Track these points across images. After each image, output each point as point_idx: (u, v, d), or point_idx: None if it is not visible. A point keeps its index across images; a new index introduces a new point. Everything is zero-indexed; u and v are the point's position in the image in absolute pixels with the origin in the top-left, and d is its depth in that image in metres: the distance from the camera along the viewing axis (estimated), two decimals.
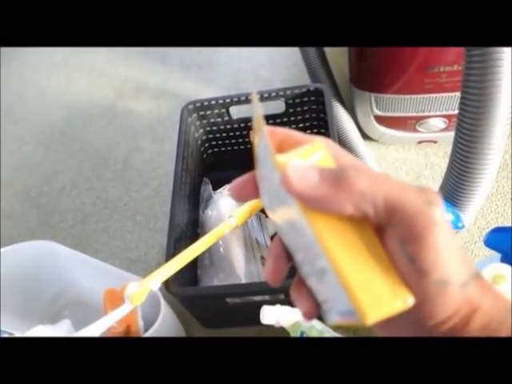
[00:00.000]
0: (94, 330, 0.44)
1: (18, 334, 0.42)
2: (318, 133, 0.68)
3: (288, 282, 0.57)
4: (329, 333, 0.34)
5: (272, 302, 0.41)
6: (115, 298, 0.50)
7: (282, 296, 0.49)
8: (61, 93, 0.98)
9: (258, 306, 0.50)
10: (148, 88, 0.93)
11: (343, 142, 0.65)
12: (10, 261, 0.54)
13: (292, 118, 0.66)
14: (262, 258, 0.57)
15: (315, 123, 0.67)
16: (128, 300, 0.45)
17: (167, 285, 0.47)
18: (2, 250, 0.54)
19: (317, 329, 0.35)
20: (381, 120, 0.66)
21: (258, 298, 0.50)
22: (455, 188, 0.38)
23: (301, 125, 0.67)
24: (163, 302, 0.47)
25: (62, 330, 0.45)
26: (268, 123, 0.60)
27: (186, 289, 0.51)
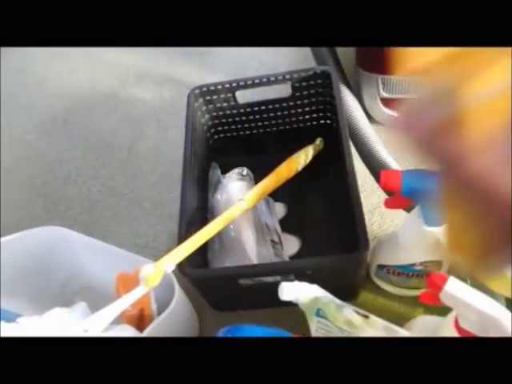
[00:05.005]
0: (110, 312, 0.44)
1: (35, 317, 0.42)
2: (325, 117, 0.68)
3: (295, 263, 0.57)
4: (348, 308, 0.35)
5: None
6: (128, 282, 0.50)
7: (292, 277, 0.50)
8: (62, 81, 0.98)
9: (269, 288, 0.50)
10: (150, 75, 0.92)
11: (350, 126, 0.65)
12: (20, 247, 0.54)
13: (298, 102, 0.66)
14: (273, 241, 0.57)
15: (321, 107, 0.67)
16: (143, 282, 0.45)
17: (181, 267, 0.47)
18: (13, 236, 0.54)
19: (336, 303, 0.36)
20: (387, 102, 0.66)
21: (269, 280, 0.51)
22: None
23: (307, 108, 0.67)
24: (177, 286, 0.47)
25: (78, 312, 0.45)
26: (274, 107, 0.60)
27: (200, 270, 0.51)
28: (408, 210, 0.51)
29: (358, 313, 0.34)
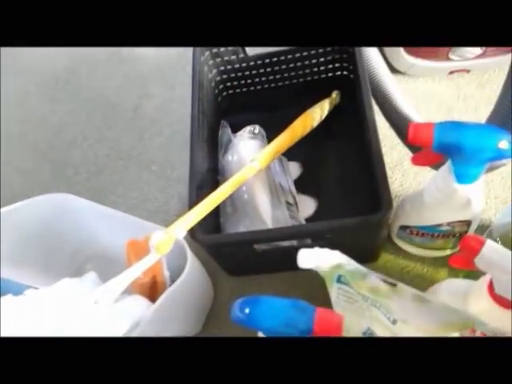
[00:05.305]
0: (121, 281, 0.43)
1: (42, 288, 0.41)
2: (341, 67, 0.63)
3: (313, 227, 0.54)
4: (374, 275, 0.32)
5: (299, 248, 0.39)
6: (139, 250, 0.48)
7: (308, 241, 0.47)
8: None
9: (284, 252, 0.48)
10: None
11: (369, 76, 0.60)
12: (27, 215, 0.53)
13: (313, 52, 0.61)
14: (288, 203, 0.55)
15: (337, 56, 0.62)
16: (154, 249, 0.43)
17: (192, 233, 0.45)
18: (20, 203, 0.52)
19: (360, 271, 0.33)
20: (410, 49, 0.61)
21: (285, 244, 0.48)
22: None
23: (322, 58, 0.62)
24: (189, 252, 0.45)
25: (88, 282, 0.44)
26: (287, 58, 0.55)
27: (212, 236, 0.49)
28: (435, 167, 0.47)
29: (384, 281, 0.32)
